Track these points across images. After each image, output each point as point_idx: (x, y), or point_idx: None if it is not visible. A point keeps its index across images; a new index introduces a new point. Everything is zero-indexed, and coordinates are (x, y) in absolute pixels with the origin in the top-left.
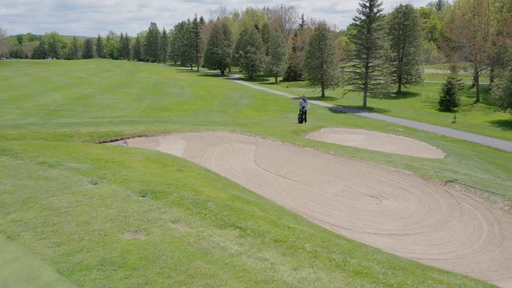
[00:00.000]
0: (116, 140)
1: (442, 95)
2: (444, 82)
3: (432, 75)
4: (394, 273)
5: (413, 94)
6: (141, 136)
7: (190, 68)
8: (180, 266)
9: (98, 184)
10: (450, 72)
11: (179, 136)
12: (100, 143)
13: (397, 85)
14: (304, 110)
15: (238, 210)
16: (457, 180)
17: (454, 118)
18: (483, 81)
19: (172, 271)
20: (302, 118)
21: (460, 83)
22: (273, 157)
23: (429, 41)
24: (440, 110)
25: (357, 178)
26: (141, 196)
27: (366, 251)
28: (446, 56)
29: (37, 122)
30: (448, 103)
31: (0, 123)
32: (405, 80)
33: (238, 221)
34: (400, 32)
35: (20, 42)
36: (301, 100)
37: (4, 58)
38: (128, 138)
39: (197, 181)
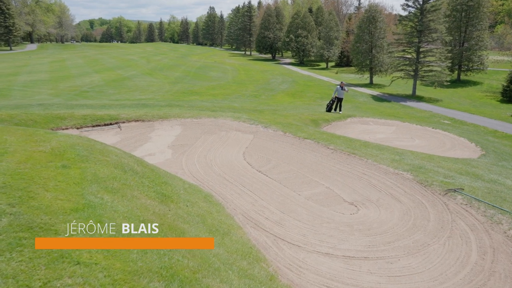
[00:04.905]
0: (111, 124)
1: (505, 84)
2: None
3: (497, 62)
4: None
5: (474, 83)
6: (137, 120)
7: (243, 52)
8: None
9: None
10: None
11: (177, 122)
12: (93, 126)
13: (456, 72)
14: (336, 98)
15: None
16: (462, 189)
17: None
18: None
19: None
20: (331, 106)
21: None
22: (265, 149)
23: (505, 25)
24: (501, 101)
25: (345, 178)
26: None
27: None
28: None
29: (50, 103)
30: (511, 93)
31: (17, 103)
32: (465, 67)
33: None
34: (463, 14)
35: (91, 27)
36: (338, 87)
37: (74, 42)
38: (123, 122)
39: (62, 182)
